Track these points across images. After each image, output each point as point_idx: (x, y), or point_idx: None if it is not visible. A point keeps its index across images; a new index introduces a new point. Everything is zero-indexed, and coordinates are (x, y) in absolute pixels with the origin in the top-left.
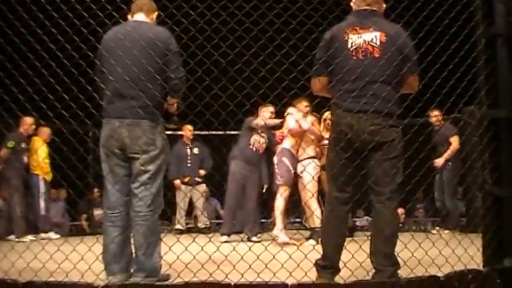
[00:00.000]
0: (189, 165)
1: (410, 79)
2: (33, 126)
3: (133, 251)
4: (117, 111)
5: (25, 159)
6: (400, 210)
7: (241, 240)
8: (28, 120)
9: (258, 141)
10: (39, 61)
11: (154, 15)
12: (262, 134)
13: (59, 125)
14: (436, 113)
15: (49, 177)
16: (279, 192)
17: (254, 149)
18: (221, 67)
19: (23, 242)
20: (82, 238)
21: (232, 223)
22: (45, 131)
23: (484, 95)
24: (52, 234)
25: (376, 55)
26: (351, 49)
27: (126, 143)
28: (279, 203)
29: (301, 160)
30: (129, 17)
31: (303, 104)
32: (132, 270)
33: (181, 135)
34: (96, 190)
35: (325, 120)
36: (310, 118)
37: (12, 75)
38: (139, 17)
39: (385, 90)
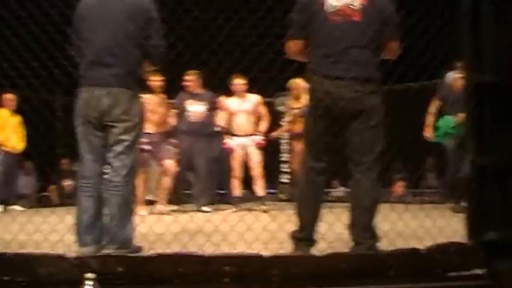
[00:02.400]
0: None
1: (391, 44)
2: None
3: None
4: (96, 79)
5: None
6: (401, 183)
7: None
8: None
9: (195, 111)
10: (7, 27)
11: None
12: (199, 103)
13: (27, 93)
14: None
15: (18, 148)
16: None
17: (194, 120)
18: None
19: None
20: (53, 210)
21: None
22: (9, 98)
23: (467, 59)
24: (17, 207)
25: (356, 19)
26: (329, 12)
27: (104, 111)
28: None
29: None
30: None
31: (236, 82)
32: (104, 242)
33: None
34: (65, 161)
35: (290, 89)
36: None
37: None
38: None
39: (365, 55)
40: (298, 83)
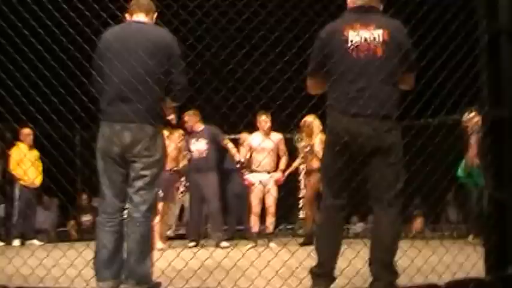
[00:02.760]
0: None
1: (406, 76)
2: None
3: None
4: (118, 114)
5: None
6: (420, 218)
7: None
8: None
9: (197, 149)
10: (27, 63)
11: (155, 15)
12: (199, 139)
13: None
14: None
15: (36, 182)
16: None
17: (198, 157)
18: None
19: None
20: (72, 244)
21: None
22: (27, 132)
23: (486, 94)
24: (35, 242)
25: (379, 54)
26: (351, 47)
27: (126, 147)
28: None
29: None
30: (127, 15)
31: (262, 119)
32: (122, 277)
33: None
34: (84, 196)
35: (303, 126)
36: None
37: None
38: (140, 17)
39: (385, 91)
40: (311, 120)
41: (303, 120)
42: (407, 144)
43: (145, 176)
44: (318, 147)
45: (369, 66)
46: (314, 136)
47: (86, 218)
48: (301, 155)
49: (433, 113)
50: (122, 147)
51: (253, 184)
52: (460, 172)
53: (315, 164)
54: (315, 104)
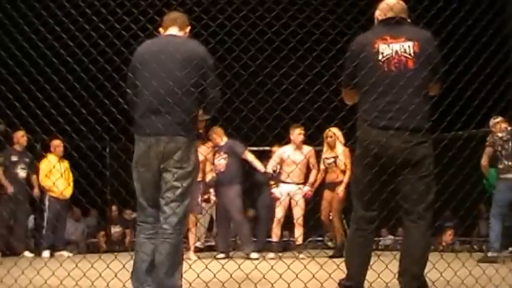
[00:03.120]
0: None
1: (434, 86)
2: (25, 138)
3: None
4: (152, 127)
5: (21, 173)
6: (450, 231)
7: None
8: (18, 133)
9: (219, 164)
10: (56, 75)
11: (188, 29)
12: (220, 154)
13: (76, 140)
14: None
15: (65, 194)
16: None
17: (219, 171)
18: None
19: None
20: (100, 255)
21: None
22: (56, 144)
23: None
24: (65, 253)
25: (410, 66)
26: (382, 60)
27: (161, 159)
28: None
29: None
30: (161, 30)
31: (296, 132)
32: None
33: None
34: (114, 207)
35: (326, 137)
36: (341, 148)
37: (29, 90)
38: (173, 30)
39: (415, 103)
40: (334, 132)
41: (326, 132)
42: (438, 157)
43: (177, 187)
44: (342, 160)
45: (400, 79)
46: (337, 148)
47: (116, 230)
48: (321, 166)
49: (463, 125)
50: (157, 159)
51: (279, 198)
52: (487, 183)
53: (339, 177)
54: (344, 116)
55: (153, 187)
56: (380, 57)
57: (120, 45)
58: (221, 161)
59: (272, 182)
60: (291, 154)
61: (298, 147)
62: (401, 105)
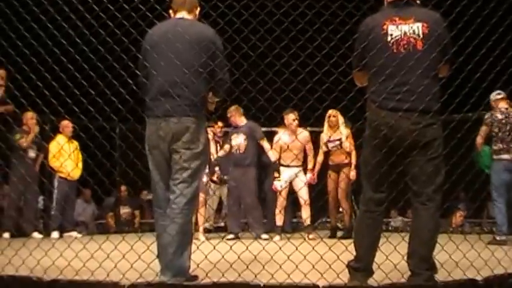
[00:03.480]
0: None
1: (442, 67)
2: (34, 120)
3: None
4: (162, 109)
5: (30, 153)
6: (460, 213)
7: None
8: (28, 114)
9: (237, 144)
10: (65, 56)
11: (197, 11)
12: (239, 135)
13: (85, 121)
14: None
15: (74, 175)
16: None
17: (237, 152)
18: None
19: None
20: (108, 236)
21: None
22: (65, 124)
23: None
24: (74, 234)
25: (419, 47)
26: (391, 41)
27: (171, 140)
28: None
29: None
30: (170, 13)
31: (290, 118)
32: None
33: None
34: (123, 188)
35: (328, 117)
36: (345, 130)
37: (38, 70)
38: (182, 14)
39: (425, 85)
40: (336, 114)
41: (327, 114)
42: (447, 138)
43: (186, 168)
44: (346, 142)
45: (409, 60)
46: (340, 129)
47: (125, 210)
48: (322, 149)
49: (472, 107)
50: (167, 141)
51: (280, 192)
52: (481, 162)
53: (345, 159)
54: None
55: (166, 170)
56: (389, 38)
57: (129, 26)
58: (240, 142)
59: (276, 175)
60: (287, 139)
61: (293, 132)
62: (410, 87)
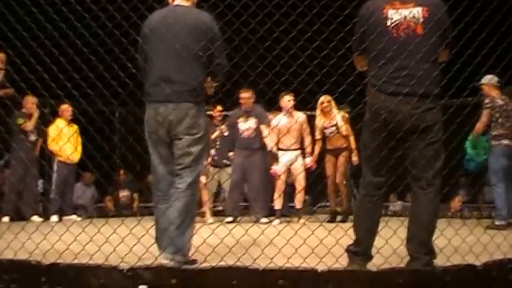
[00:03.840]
0: (217, 146)
1: (443, 51)
2: (35, 105)
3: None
4: (162, 95)
5: (31, 136)
6: (458, 198)
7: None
8: (29, 98)
9: (246, 128)
10: (64, 40)
11: None
12: (248, 119)
13: (84, 105)
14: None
15: (73, 158)
16: None
17: (245, 136)
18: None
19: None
20: (107, 220)
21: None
22: (65, 108)
23: None
24: (74, 217)
25: (419, 32)
26: (391, 26)
27: (171, 125)
28: None
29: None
30: (169, 0)
31: (286, 99)
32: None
33: (210, 116)
34: (122, 171)
35: (321, 103)
36: (340, 114)
37: (37, 54)
38: (181, 1)
39: (425, 69)
40: (330, 99)
41: (320, 100)
42: (446, 123)
43: (189, 153)
44: (343, 126)
45: (409, 44)
46: (334, 115)
47: (123, 194)
48: (317, 135)
49: (471, 91)
50: (165, 126)
51: (279, 176)
52: (467, 145)
53: (344, 143)
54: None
55: (166, 154)
56: (389, 23)
57: (128, 10)
58: (250, 126)
59: (276, 162)
60: (284, 121)
61: (290, 114)
62: (409, 71)
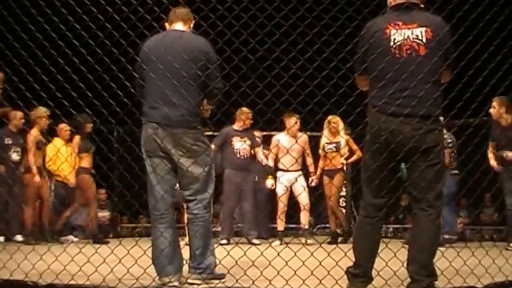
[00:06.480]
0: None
1: (444, 72)
2: (23, 120)
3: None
4: (160, 118)
5: (14, 155)
6: (460, 220)
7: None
8: (18, 114)
9: (242, 148)
10: (63, 58)
11: (192, 23)
12: (245, 139)
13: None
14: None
15: (70, 178)
16: None
17: (242, 156)
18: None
19: None
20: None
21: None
22: (63, 127)
23: None
24: (71, 237)
25: (422, 53)
26: (393, 46)
27: (170, 150)
28: None
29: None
30: (166, 25)
31: (292, 121)
32: (191, 265)
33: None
34: (103, 191)
35: (328, 123)
36: (345, 136)
37: (35, 71)
38: (178, 26)
39: (427, 90)
40: (337, 119)
41: (329, 118)
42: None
43: (197, 178)
44: (344, 148)
45: (411, 65)
46: (340, 135)
47: (103, 214)
48: (321, 153)
49: (474, 112)
50: (164, 146)
51: (278, 192)
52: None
53: (340, 163)
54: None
55: (164, 173)
56: (391, 43)
57: (127, 29)
58: (245, 146)
59: (270, 176)
60: (286, 142)
61: (294, 135)
62: (411, 92)
